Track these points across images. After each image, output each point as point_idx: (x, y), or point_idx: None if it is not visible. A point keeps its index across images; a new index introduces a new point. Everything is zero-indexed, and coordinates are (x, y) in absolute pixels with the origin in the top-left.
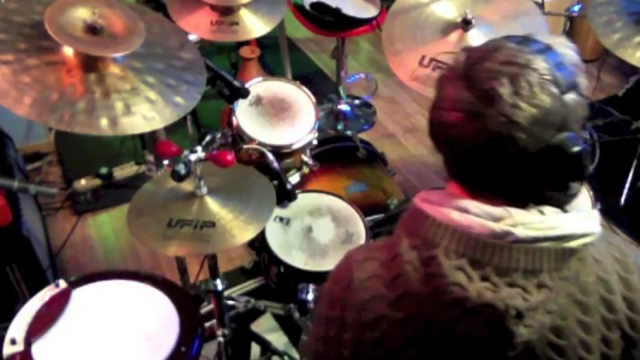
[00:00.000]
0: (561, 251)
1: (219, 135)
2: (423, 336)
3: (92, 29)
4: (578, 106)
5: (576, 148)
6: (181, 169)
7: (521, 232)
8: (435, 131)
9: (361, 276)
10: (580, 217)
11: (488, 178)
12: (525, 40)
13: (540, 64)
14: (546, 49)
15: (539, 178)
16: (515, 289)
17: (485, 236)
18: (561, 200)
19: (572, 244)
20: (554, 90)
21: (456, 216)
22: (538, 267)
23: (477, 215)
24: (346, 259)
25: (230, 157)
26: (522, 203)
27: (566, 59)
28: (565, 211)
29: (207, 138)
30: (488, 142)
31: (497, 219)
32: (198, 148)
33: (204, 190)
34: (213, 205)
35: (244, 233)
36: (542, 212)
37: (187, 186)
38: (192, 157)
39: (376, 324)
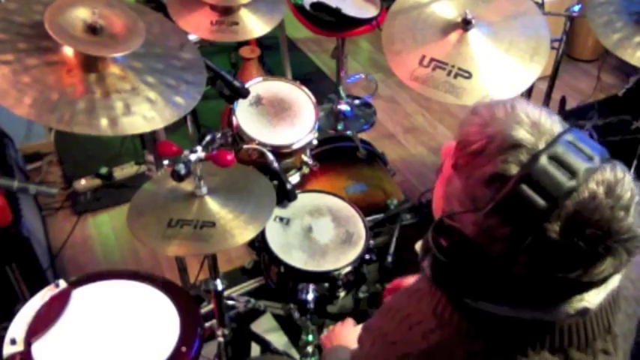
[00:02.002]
0: (615, 293)
1: (219, 135)
2: None
3: (92, 29)
4: None
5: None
6: (181, 169)
7: (593, 301)
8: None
9: None
10: None
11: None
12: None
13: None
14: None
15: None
16: (601, 356)
17: (561, 322)
18: None
19: (617, 281)
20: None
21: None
22: (607, 323)
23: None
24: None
25: (230, 157)
26: None
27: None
28: None
29: (207, 138)
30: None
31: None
32: (198, 148)
33: (204, 190)
34: (213, 205)
35: (244, 233)
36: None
37: (187, 186)
38: (192, 157)
39: None
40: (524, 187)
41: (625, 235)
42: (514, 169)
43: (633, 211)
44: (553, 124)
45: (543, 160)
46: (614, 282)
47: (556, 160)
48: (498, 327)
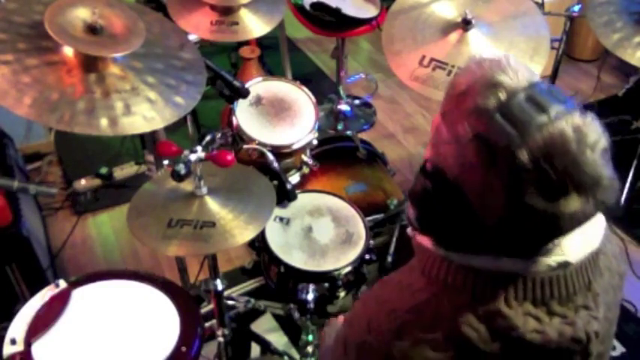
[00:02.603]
0: (595, 254)
1: (219, 135)
2: None
3: (92, 29)
4: None
5: None
6: (181, 169)
7: (574, 256)
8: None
9: (402, 346)
10: (597, 217)
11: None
12: (583, 111)
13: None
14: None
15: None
16: (582, 312)
17: (542, 274)
18: None
19: (598, 242)
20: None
21: (505, 262)
22: (587, 280)
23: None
24: (373, 331)
25: (230, 157)
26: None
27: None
28: None
29: (207, 138)
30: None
31: (545, 252)
32: (198, 148)
33: (204, 190)
34: (213, 205)
35: (244, 233)
36: None
37: (187, 186)
38: (192, 157)
39: None
40: (499, 117)
41: (589, 171)
42: (492, 104)
43: (599, 153)
44: (533, 75)
45: (520, 97)
46: (593, 242)
47: (531, 100)
48: (481, 279)
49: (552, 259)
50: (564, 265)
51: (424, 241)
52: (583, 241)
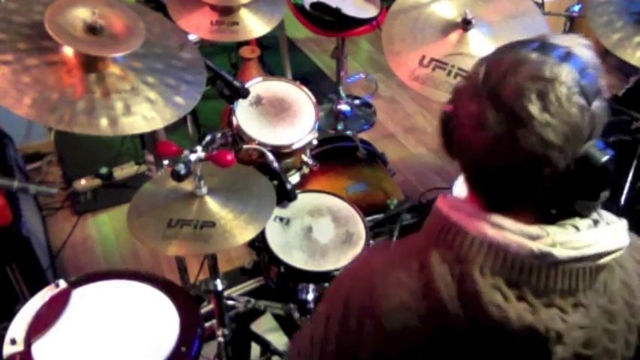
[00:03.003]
0: (595, 268)
1: (219, 135)
2: (455, 352)
3: (92, 29)
4: (603, 112)
5: (605, 158)
6: (181, 168)
7: (560, 252)
8: (457, 148)
9: (385, 282)
10: (612, 231)
11: (515, 195)
12: (545, 47)
13: (566, 75)
14: (568, 56)
15: (570, 190)
16: (552, 309)
17: (522, 256)
18: (589, 207)
19: (606, 259)
20: (582, 101)
21: (491, 232)
22: (574, 287)
23: (513, 233)
24: (366, 264)
25: (230, 157)
26: (548, 214)
27: (588, 63)
28: (596, 222)
29: (207, 138)
30: (519, 163)
31: (534, 238)
32: (198, 148)
33: (204, 190)
34: (213, 205)
35: (244, 233)
36: (576, 228)
37: (187, 186)
38: (192, 157)
39: (402, 336)
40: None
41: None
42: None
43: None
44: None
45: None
46: (593, 256)
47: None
48: (468, 242)
49: (536, 245)
50: (546, 255)
51: (443, 204)
52: (579, 248)
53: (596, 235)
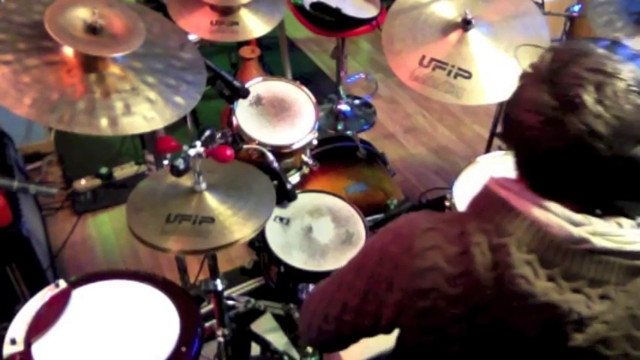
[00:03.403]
0: (632, 267)
1: (219, 135)
2: (474, 318)
3: (92, 29)
4: None
5: None
6: (180, 163)
7: (598, 241)
8: (510, 130)
9: (423, 244)
10: None
11: (559, 182)
12: (614, 46)
13: (627, 73)
14: (634, 57)
15: (613, 187)
16: (579, 295)
17: (561, 238)
18: (635, 209)
19: None
20: (639, 101)
21: (536, 211)
22: (606, 278)
23: (557, 216)
24: (409, 223)
25: (229, 152)
26: (590, 208)
27: None
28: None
29: (207, 133)
30: (565, 149)
31: (576, 224)
32: (198, 144)
33: (203, 185)
34: (212, 200)
35: (243, 229)
36: (620, 225)
37: (186, 181)
38: (192, 152)
39: (429, 294)
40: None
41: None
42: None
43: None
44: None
45: None
46: (632, 248)
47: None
48: (510, 217)
49: (577, 231)
50: (584, 241)
51: (493, 182)
52: (618, 243)
53: (638, 234)
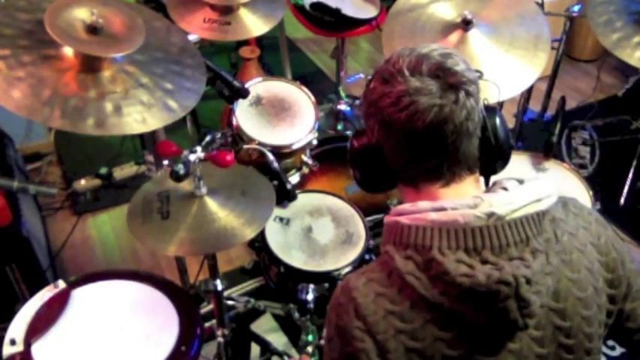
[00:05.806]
0: (536, 215)
1: (219, 135)
2: (449, 330)
3: (92, 29)
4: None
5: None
6: (180, 169)
7: (501, 209)
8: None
9: (365, 300)
10: (537, 184)
11: (441, 160)
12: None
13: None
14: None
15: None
16: (514, 261)
17: (470, 224)
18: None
19: (544, 204)
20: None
21: (434, 216)
22: (524, 236)
23: (454, 209)
24: (343, 290)
25: (229, 157)
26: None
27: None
28: (520, 182)
29: (207, 138)
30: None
31: (472, 206)
32: (198, 149)
33: (203, 190)
34: (212, 205)
35: (244, 233)
36: (505, 189)
37: (187, 186)
38: (192, 157)
39: (396, 339)
40: None
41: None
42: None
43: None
44: None
45: None
46: (530, 203)
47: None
48: (421, 233)
49: (478, 211)
50: (491, 215)
51: (388, 217)
52: (514, 201)
53: (525, 188)
